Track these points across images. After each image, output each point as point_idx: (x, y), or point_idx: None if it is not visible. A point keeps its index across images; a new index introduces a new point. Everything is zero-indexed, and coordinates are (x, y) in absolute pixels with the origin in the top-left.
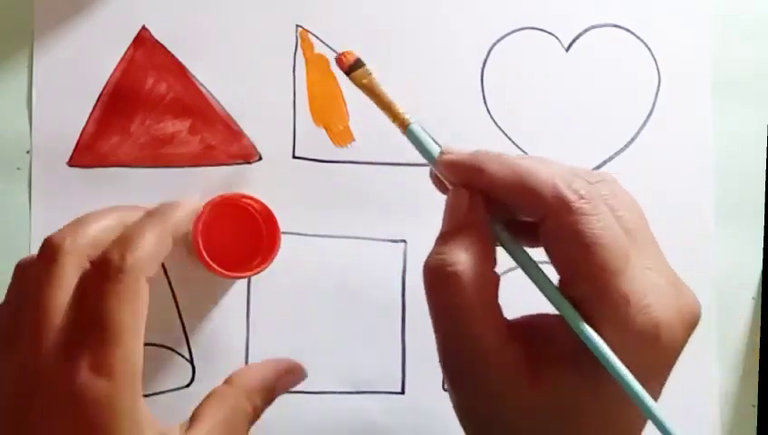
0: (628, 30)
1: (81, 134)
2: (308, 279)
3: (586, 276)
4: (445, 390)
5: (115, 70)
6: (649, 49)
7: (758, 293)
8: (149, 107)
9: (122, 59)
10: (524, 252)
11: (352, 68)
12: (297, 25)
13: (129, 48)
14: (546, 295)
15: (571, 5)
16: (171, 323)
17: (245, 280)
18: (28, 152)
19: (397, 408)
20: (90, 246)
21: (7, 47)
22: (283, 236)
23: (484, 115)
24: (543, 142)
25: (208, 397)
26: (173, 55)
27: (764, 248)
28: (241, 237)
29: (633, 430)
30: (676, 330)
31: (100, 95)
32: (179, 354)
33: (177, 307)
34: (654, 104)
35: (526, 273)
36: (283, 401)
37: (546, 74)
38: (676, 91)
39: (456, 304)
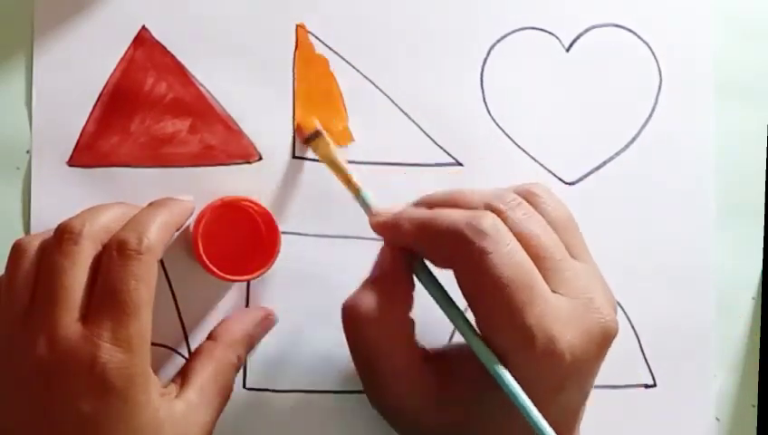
0: (629, 30)
1: (80, 134)
2: (308, 279)
3: (493, 315)
4: None
5: (115, 70)
6: (650, 49)
7: (758, 293)
8: (149, 107)
9: (122, 59)
10: (440, 291)
11: (310, 138)
12: (297, 25)
13: (129, 48)
14: (457, 328)
15: (571, 5)
16: (171, 323)
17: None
18: (28, 152)
19: None
20: (103, 232)
21: (7, 47)
22: (282, 236)
23: (484, 115)
24: (543, 142)
25: (196, 353)
26: (173, 55)
27: (764, 248)
28: (241, 240)
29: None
30: (582, 349)
31: (100, 95)
32: (179, 354)
33: (177, 307)
34: (655, 104)
35: (443, 310)
36: (282, 400)
37: (546, 74)
38: (677, 91)
39: (364, 340)
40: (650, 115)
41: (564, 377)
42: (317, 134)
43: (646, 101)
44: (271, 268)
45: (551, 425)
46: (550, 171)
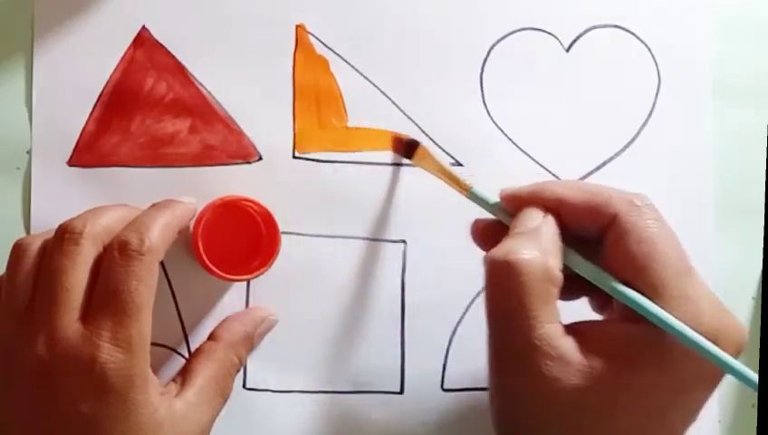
0: (628, 30)
1: (80, 134)
2: (307, 279)
3: (654, 274)
4: (444, 390)
5: (115, 70)
6: (650, 49)
7: (758, 293)
8: (149, 107)
9: (122, 59)
10: (588, 262)
11: (410, 149)
12: (297, 25)
13: (129, 48)
14: (612, 291)
15: (571, 6)
16: (171, 323)
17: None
18: (28, 152)
19: (395, 408)
20: (104, 233)
21: (7, 47)
22: (282, 237)
23: (484, 115)
24: (543, 143)
25: (197, 353)
26: (173, 55)
27: (764, 248)
28: (241, 240)
29: (673, 431)
30: (725, 342)
31: (100, 95)
32: (179, 354)
33: (177, 307)
34: (654, 105)
35: (593, 276)
36: (282, 400)
37: (546, 75)
38: (676, 92)
39: (516, 292)
40: (649, 115)
41: (707, 364)
42: (415, 144)
43: (645, 101)
44: (271, 268)
45: (673, 426)
46: (550, 171)
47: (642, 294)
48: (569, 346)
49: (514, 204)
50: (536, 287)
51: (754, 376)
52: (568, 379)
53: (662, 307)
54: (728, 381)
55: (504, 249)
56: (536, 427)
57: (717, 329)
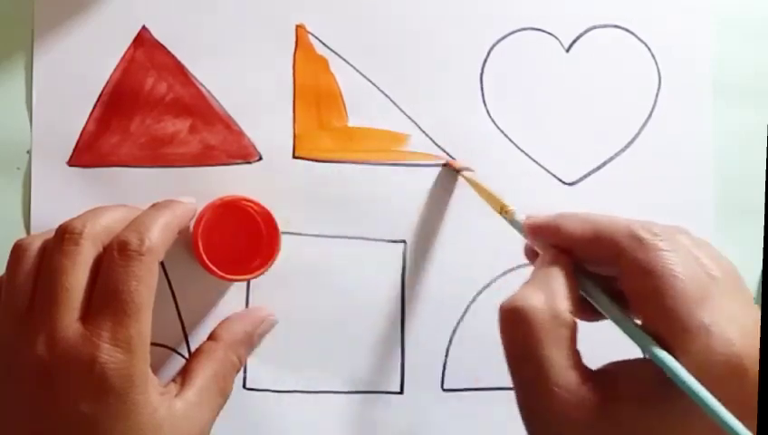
0: (628, 30)
1: (80, 134)
2: (307, 279)
3: (664, 308)
4: (444, 390)
5: (115, 70)
6: (650, 49)
7: (758, 293)
8: (149, 107)
9: (122, 59)
10: (605, 298)
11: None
12: (297, 25)
13: (129, 48)
14: (627, 332)
15: (571, 6)
16: (171, 323)
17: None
18: (28, 152)
19: (395, 408)
20: (104, 234)
21: (7, 47)
22: (282, 236)
23: (484, 116)
24: (543, 143)
25: (198, 353)
26: (173, 55)
27: (764, 248)
28: (241, 240)
29: None
30: (754, 367)
31: (100, 95)
32: (179, 354)
33: (177, 307)
34: (654, 105)
35: (611, 317)
36: (282, 400)
37: (546, 75)
38: (676, 92)
39: (529, 339)
40: (649, 115)
41: (743, 396)
42: (462, 169)
43: (645, 101)
44: (271, 268)
45: None
46: (549, 172)
47: (656, 330)
48: (589, 396)
49: (534, 234)
50: (545, 333)
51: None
52: (589, 423)
53: (675, 343)
54: None
55: (513, 297)
56: None
57: (745, 356)
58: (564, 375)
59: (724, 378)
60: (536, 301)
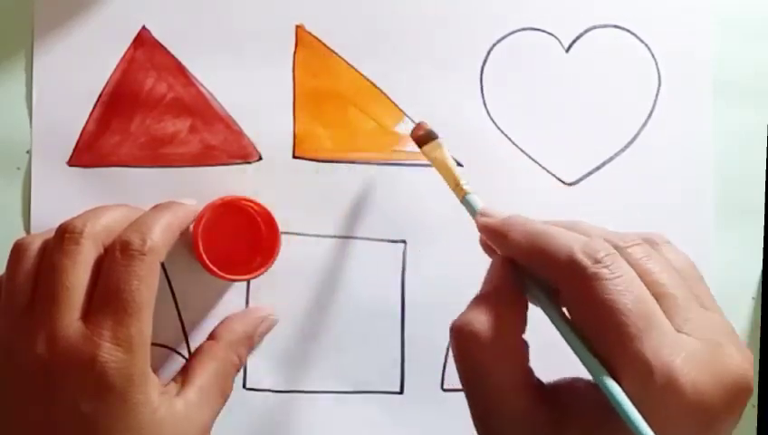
0: (628, 30)
1: (81, 134)
2: (308, 279)
3: (604, 341)
4: (444, 390)
5: (115, 70)
6: (650, 49)
7: (758, 293)
8: (149, 107)
9: (122, 59)
10: (556, 311)
11: (423, 140)
12: (297, 25)
13: (129, 48)
14: (574, 351)
15: (571, 6)
16: (171, 323)
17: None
18: (28, 152)
19: (396, 408)
20: (104, 233)
21: (7, 47)
22: (282, 237)
23: (484, 116)
24: (543, 143)
25: (198, 353)
26: (173, 55)
27: (764, 248)
28: (241, 240)
29: None
30: (710, 394)
31: (100, 95)
32: (179, 354)
33: (177, 307)
34: (654, 105)
35: (559, 331)
36: (282, 400)
37: (546, 75)
38: (676, 92)
39: (474, 363)
40: (649, 116)
41: (685, 421)
42: (434, 136)
43: (645, 101)
44: (271, 268)
45: None
46: (549, 172)
47: (598, 355)
48: (539, 415)
49: (486, 235)
50: (493, 358)
51: None
52: None
53: (616, 371)
54: None
55: (462, 317)
56: None
57: (694, 383)
58: (512, 400)
59: (667, 407)
60: (482, 325)
